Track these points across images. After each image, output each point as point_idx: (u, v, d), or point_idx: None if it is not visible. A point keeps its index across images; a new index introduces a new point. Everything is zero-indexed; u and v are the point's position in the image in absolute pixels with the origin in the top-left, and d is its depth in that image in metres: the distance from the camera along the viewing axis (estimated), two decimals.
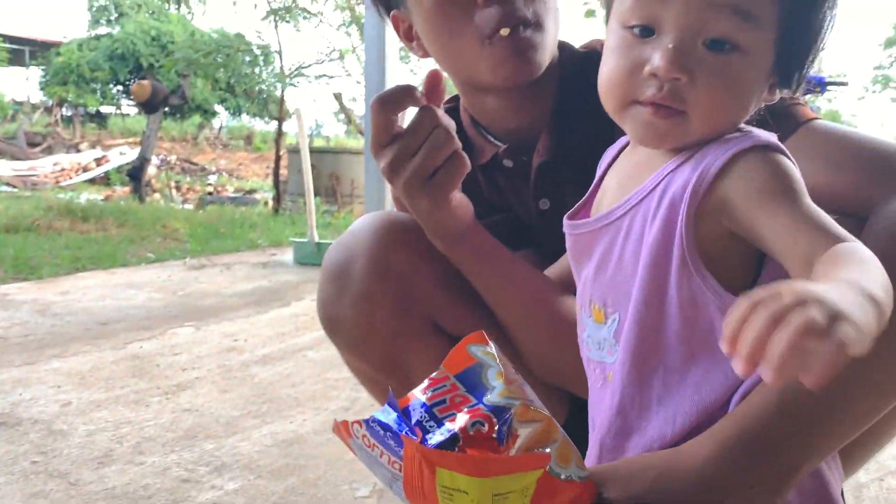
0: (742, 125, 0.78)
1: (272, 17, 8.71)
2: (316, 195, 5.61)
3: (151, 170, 11.50)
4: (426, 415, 0.70)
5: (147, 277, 4.31)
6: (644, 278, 0.76)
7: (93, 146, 15.33)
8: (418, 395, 0.73)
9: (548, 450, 0.68)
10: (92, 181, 12.27)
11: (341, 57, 9.51)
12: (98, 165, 13.09)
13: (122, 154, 13.69)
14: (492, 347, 0.76)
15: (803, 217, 0.68)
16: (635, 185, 0.79)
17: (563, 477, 0.68)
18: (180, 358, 2.64)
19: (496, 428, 0.68)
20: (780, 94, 0.80)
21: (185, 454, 1.77)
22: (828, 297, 0.49)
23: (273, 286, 4.14)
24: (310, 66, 9.29)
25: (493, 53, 1.05)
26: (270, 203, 9.08)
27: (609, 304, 0.82)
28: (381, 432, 0.69)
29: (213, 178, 13.97)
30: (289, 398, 2.21)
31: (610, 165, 0.91)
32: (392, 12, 1.16)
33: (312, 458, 1.75)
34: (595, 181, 0.93)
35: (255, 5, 9.14)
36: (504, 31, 1.02)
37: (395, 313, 1.10)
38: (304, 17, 9.12)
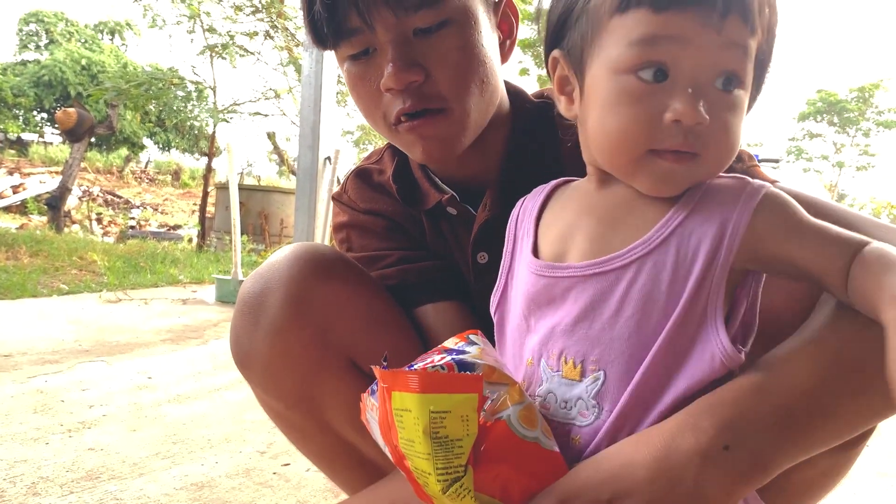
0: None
1: (208, 53, 8.64)
2: (243, 233, 5.52)
3: (73, 200, 11.15)
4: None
5: (58, 310, 4.11)
6: (665, 339, 0.71)
7: (10, 173, 14.76)
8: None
9: (508, 411, 0.70)
10: (7, 209, 11.79)
11: (277, 96, 9.48)
12: (14, 193, 12.61)
13: (42, 182, 13.24)
14: (486, 341, 0.81)
15: (822, 237, 0.71)
16: (625, 232, 0.76)
17: (528, 437, 0.70)
18: (88, 394, 2.50)
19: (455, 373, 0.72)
20: None
21: (84, 496, 1.66)
22: None
23: (192, 323, 4.00)
24: (244, 103, 9.23)
25: (402, 138, 1.03)
26: (195, 239, 8.88)
27: (592, 360, 0.75)
28: (375, 388, 0.76)
29: (136, 213, 13.63)
30: (201, 439, 2.11)
31: (542, 208, 0.89)
32: None
33: (223, 503, 1.67)
34: (515, 225, 0.92)
35: (192, 40, 9.08)
36: (403, 119, 1.00)
37: (312, 350, 1.04)
38: (241, 55, 9.09)
